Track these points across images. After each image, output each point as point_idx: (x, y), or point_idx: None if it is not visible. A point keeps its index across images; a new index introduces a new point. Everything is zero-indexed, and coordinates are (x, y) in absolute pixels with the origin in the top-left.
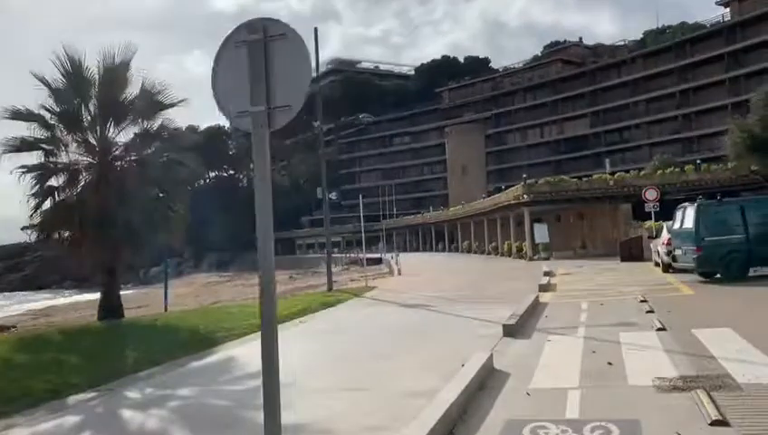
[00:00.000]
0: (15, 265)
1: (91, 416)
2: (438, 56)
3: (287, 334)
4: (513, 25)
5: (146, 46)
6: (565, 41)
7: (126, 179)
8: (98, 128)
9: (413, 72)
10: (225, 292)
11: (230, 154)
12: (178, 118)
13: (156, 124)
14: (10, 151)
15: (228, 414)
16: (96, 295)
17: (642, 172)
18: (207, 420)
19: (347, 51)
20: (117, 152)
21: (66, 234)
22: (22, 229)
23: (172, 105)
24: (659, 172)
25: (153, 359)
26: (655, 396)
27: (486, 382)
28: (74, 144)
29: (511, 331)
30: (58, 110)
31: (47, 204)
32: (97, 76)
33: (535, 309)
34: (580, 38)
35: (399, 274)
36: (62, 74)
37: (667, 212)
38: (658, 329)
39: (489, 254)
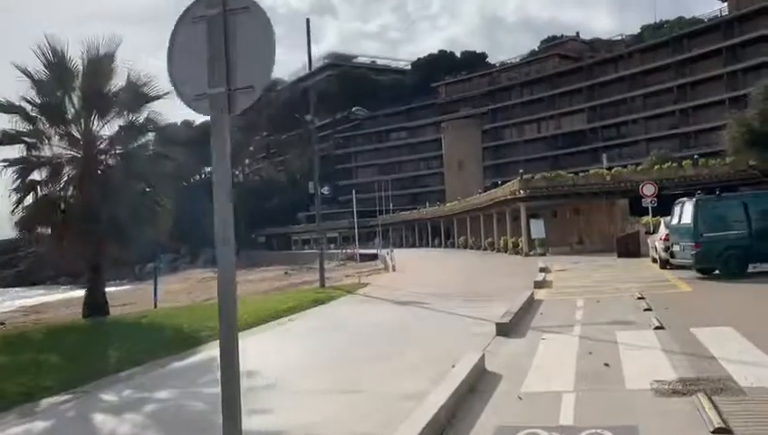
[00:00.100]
0: (9, 261)
1: (61, 421)
2: (435, 51)
3: (275, 333)
4: (510, 20)
5: (141, 41)
6: (562, 36)
7: (110, 173)
8: (82, 120)
9: (410, 67)
10: None
11: None
12: (172, 112)
13: (141, 117)
14: None
15: (205, 419)
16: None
17: (639, 167)
18: (183, 425)
19: (344, 46)
20: (101, 145)
21: (48, 229)
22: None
23: (158, 97)
24: (657, 167)
25: (134, 359)
26: (653, 401)
27: (477, 385)
28: (57, 137)
29: (504, 329)
30: (40, 102)
31: (29, 199)
32: (81, 67)
33: (530, 306)
34: (577, 33)
35: (394, 270)
36: (45, 65)
37: (664, 207)
38: (656, 328)
39: (485, 249)
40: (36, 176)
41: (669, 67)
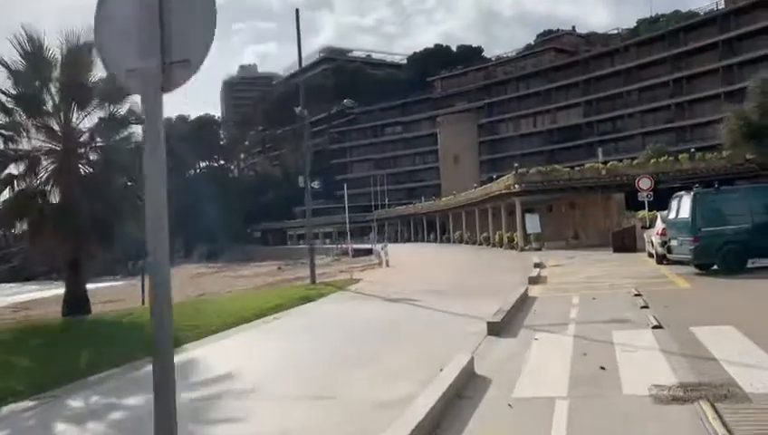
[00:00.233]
0: (3, 257)
1: (18, 431)
2: (431, 45)
3: (259, 332)
4: (506, 15)
5: None
6: (558, 30)
7: (91, 167)
8: (61, 113)
9: (405, 62)
10: (211, 283)
11: (221, 144)
12: (168, 107)
13: (123, 109)
14: None
15: None
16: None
17: (635, 161)
18: None
19: (340, 40)
20: (81, 138)
21: (25, 225)
22: None
23: None
24: (653, 161)
25: (109, 361)
26: (652, 408)
27: (465, 390)
28: (35, 129)
29: (496, 329)
30: (16, 93)
31: (6, 193)
32: (59, 57)
33: (523, 304)
34: (573, 27)
35: (387, 265)
36: (21, 55)
37: (660, 201)
38: (654, 327)
39: (480, 244)
40: (13, 170)
41: (665, 61)
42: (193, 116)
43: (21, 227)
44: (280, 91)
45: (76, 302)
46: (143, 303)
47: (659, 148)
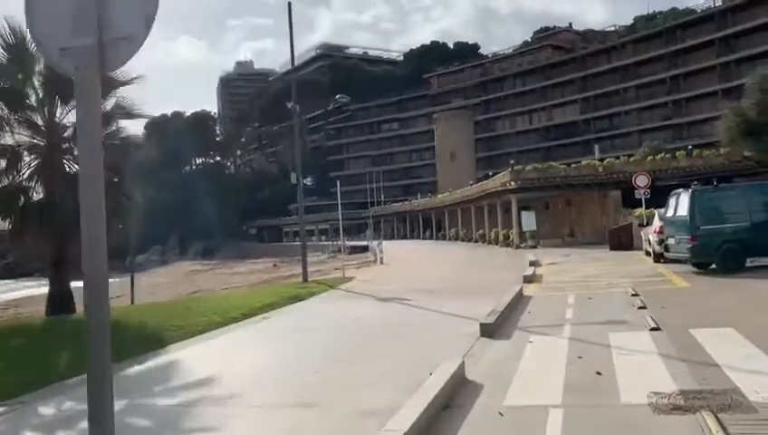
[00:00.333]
0: None
1: None
2: (428, 42)
3: (246, 333)
4: (503, 12)
5: None
6: (555, 27)
7: (75, 163)
8: (45, 107)
9: (402, 58)
10: (206, 281)
11: (217, 140)
12: (168, 104)
13: (109, 104)
14: None
15: None
16: (76, 284)
17: (632, 158)
18: None
19: (337, 37)
20: (66, 133)
21: (7, 223)
22: None
23: (126, 83)
24: (650, 158)
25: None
26: (652, 418)
27: (454, 398)
28: (17, 124)
29: (489, 330)
30: None
31: None
32: None
33: (518, 303)
34: (570, 23)
35: (381, 263)
36: (3, 48)
37: (657, 199)
38: (652, 329)
39: (476, 241)
40: None
41: (662, 58)
42: (189, 112)
43: (4, 224)
44: (276, 87)
45: (61, 300)
46: (132, 302)
47: (656, 145)
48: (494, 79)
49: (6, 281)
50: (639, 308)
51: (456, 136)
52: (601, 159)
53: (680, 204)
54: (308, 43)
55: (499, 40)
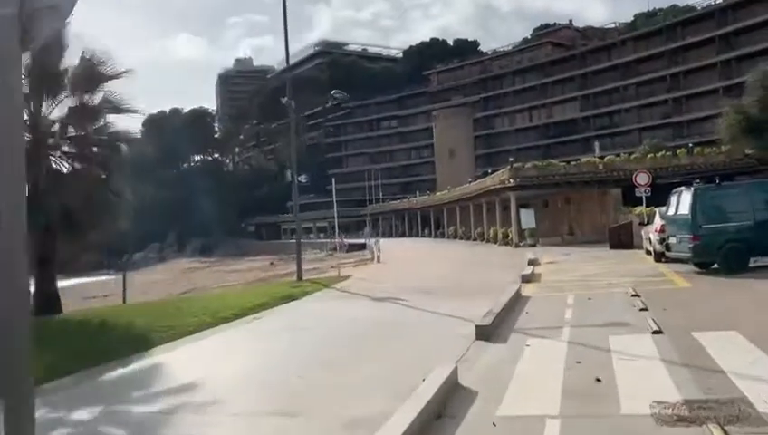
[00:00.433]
0: None
1: None
2: (427, 39)
3: (236, 334)
4: (503, 9)
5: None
6: (555, 24)
7: (61, 159)
8: (31, 101)
9: (401, 55)
10: (202, 278)
11: (215, 137)
12: (165, 101)
13: (97, 98)
14: None
15: None
16: (78, 280)
17: (633, 156)
18: None
19: (336, 34)
20: (51, 128)
21: None
22: None
23: (115, 77)
24: (650, 156)
25: (68, 366)
26: (654, 430)
27: (447, 407)
28: None
29: (485, 333)
30: None
31: None
32: None
33: (516, 304)
34: (570, 20)
35: (379, 261)
36: None
37: (658, 197)
38: (654, 332)
39: (475, 240)
40: None
41: (663, 55)
42: (187, 109)
43: None
44: (275, 84)
45: (46, 301)
46: (124, 301)
47: (656, 143)
48: (494, 76)
49: None
50: (641, 310)
51: (456, 133)
52: (602, 157)
53: (682, 202)
54: (307, 41)
55: (499, 37)
